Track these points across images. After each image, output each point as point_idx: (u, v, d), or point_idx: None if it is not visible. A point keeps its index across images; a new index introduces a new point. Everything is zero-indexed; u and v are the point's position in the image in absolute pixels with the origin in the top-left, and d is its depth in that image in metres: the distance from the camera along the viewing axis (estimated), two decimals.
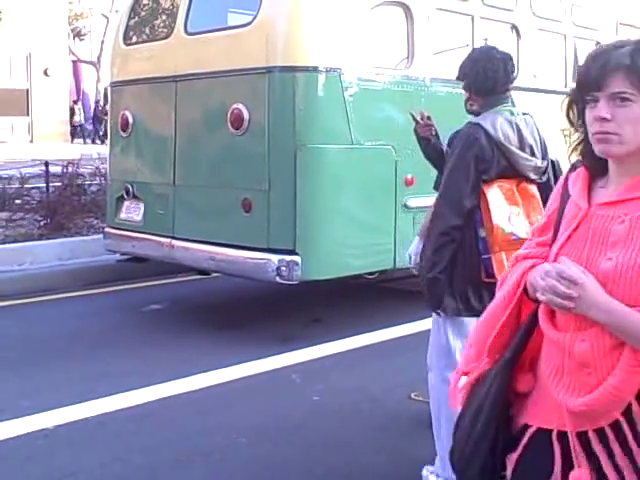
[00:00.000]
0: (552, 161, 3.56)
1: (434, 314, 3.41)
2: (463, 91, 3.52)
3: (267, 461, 3.75)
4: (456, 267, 3.23)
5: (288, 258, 5.42)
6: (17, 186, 9.64)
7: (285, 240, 5.50)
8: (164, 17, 6.84)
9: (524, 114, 3.47)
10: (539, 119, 3.56)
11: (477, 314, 3.35)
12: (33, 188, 9.81)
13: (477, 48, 3.70)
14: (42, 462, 3.71)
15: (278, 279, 5.46)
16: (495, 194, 3.23)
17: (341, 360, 5.28)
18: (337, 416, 4.32)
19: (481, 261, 3.23)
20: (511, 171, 3.27)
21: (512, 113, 3.36)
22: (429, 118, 3.85)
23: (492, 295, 3.37)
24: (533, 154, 3.34)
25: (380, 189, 5.87)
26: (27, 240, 8.29)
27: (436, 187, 3.90)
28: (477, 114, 3.50)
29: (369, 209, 5.78)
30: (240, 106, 5.69)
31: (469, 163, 3.18)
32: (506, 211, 3.24)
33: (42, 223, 8.96)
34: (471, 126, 3.28)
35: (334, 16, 5.68)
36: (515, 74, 3.42)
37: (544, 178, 3.44)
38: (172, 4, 6.65)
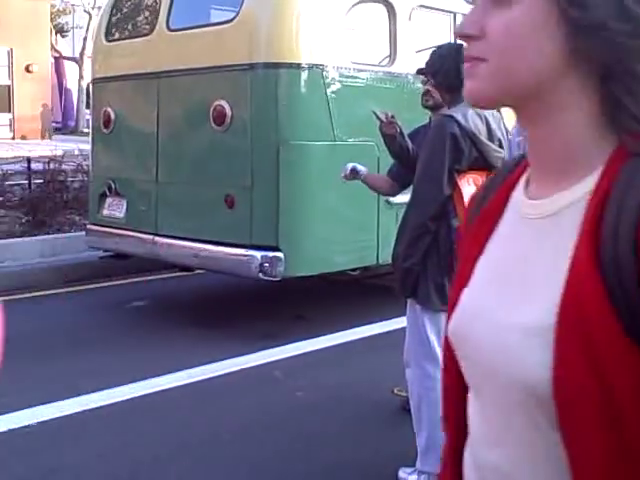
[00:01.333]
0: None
1: (409, 310, 3.44)
2: (421, 86, 3.79)
3: (250, 456, 3.76)
4: (430, 258, 3.28)
5: (271, 254, 5.43)
6: None
7: (268, 236, 5.50)
8: (146, 13, 6.82)
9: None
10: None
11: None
12: (15, 185, 9.75)
13: (444, 44, 3.74)
14: (24, 459, 3.70)
15: (261, 275, 5.46)
16: (467, 184, 3.28)
17: (324, 356, 5.30)
18: (320, 412, 4.33)
19: (454, 251, 3.27)
20: (481, 162, 3.33)
21: None
22: (393, 117, 3.92)
23: None
24: (501, 146, 3.41)
25: (363, 185, 5.88)
26: (8, 237, 8.24)
27: (389, 172, 4.10)
28: (432, 109, 3.78)
29: (352, 205, 5.79)
30: (223, 102, 5.68)
31: (444, 153, 3.25)
32: None
33: (24, 220, 8.92)
34: (444, 118, 3.34)
35: (317, 13, 5.69)
36: None
37: None
38: (154, 0, 6.64)
